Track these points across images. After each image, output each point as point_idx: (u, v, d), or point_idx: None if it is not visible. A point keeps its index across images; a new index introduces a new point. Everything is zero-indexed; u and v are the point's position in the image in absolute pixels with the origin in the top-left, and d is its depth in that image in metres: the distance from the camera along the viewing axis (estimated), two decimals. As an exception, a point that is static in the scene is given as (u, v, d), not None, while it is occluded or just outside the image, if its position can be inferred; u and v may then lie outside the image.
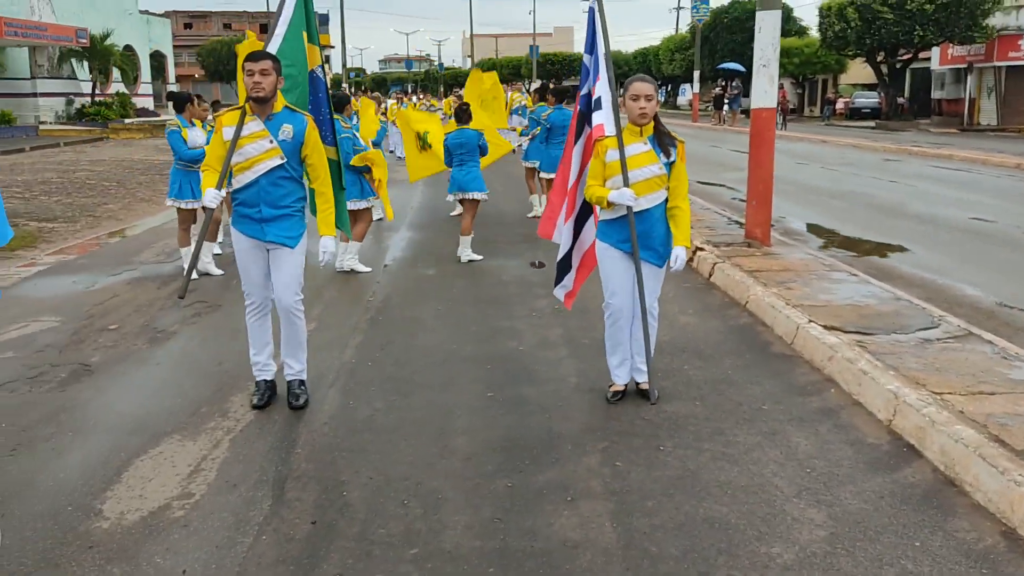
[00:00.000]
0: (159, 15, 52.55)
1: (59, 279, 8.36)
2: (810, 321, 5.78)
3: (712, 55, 46.83)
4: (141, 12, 47.20)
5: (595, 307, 6.84)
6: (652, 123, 4.57)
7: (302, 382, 4.98)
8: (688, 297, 7.23)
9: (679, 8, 67.89)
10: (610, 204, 4.53)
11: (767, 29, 8.26)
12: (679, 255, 4.59)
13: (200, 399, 5.00)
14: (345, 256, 8.34)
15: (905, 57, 35.24)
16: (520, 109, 23.84)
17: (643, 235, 4.59)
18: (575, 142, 4.93)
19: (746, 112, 46.18)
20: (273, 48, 5.12)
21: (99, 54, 37.01)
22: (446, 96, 30.30)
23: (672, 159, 4.55)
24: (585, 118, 4.87)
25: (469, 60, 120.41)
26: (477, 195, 8.96)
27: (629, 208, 4.50)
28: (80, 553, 3.32)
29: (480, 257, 8.95)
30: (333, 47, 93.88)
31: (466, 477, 3.95)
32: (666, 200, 4.60)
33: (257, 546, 3.36)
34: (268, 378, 5.00)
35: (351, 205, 8.04)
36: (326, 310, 7.04)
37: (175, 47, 55.37)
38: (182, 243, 8.38)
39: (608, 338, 4.83)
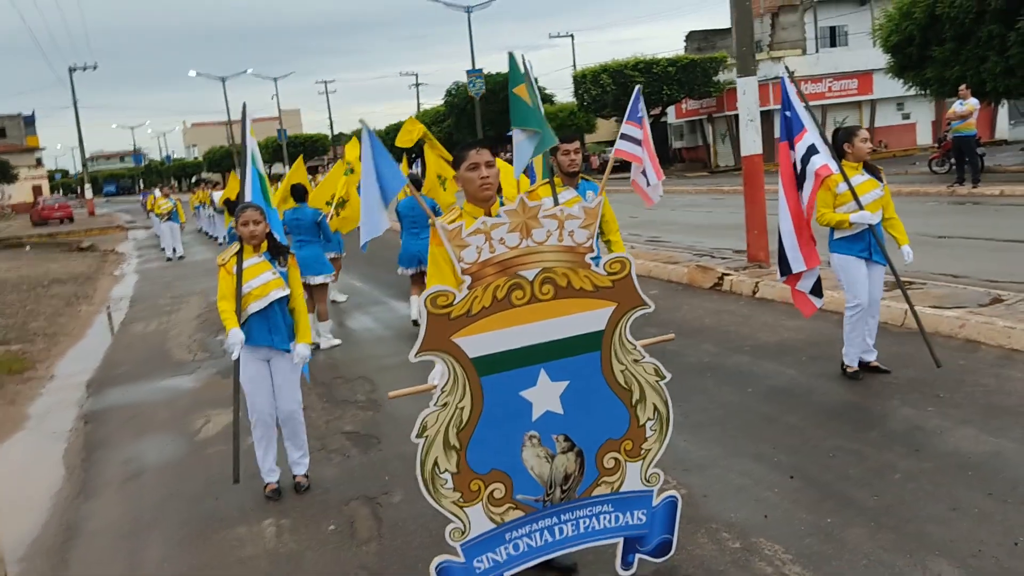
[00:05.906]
0: None
1: (145, 385, 8.45)
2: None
3: (471, 124, 49.75)
4: None
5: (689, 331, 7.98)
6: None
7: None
8: (762, 311, 8.73)
9: (418, 84, 71.71)
10: (851, 224, 5.99)
11: (750, 92, 10.20)
12: (908, 251, 6.12)
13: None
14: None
15: (655, 113, 40.05)
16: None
17: (874, 243, 6.09)
18: (798, 183, 6.30)
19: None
20: (540, 122, 6.07)
21: None
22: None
23: (884, 182, 6.11)
24: (805, 162, 6.25)
25: (195, 149, 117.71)
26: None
27: (870, 225, 5.99)
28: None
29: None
30: (44, 148, 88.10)
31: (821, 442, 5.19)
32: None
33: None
34: None
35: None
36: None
37: None
38: (323, 317, 9.28)
39: (852, 330, 6.20)
